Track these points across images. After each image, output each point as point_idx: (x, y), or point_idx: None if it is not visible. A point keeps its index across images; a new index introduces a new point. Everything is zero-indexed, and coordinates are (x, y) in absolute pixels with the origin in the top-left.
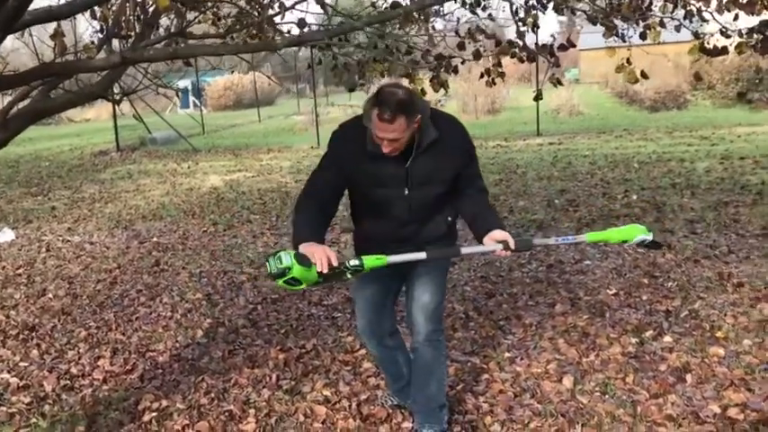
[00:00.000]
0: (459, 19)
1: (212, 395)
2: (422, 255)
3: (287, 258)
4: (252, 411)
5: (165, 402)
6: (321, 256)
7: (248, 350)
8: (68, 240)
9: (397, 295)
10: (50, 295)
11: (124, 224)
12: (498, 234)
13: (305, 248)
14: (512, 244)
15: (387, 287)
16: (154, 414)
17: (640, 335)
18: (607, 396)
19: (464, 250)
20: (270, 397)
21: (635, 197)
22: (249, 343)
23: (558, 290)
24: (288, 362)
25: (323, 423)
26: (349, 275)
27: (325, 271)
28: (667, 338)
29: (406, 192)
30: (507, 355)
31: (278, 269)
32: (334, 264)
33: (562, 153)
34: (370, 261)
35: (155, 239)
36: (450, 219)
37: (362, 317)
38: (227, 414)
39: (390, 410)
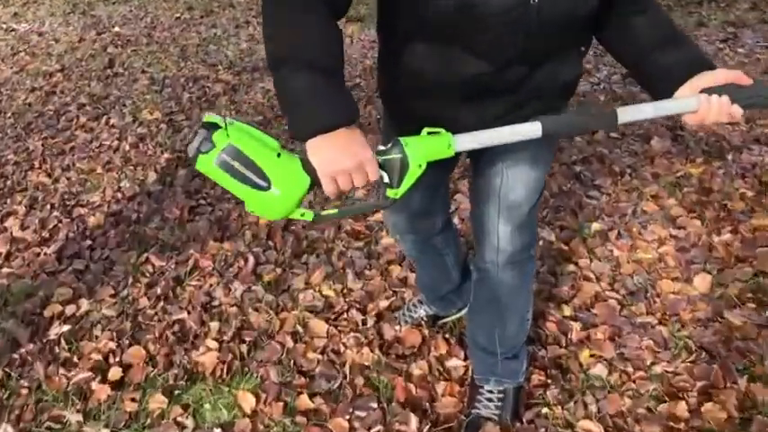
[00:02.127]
0: None
1: (157, 291)
2: (534, 129)
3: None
4: (214, 327)
5: (84, 305)
6: (357, 173)
7: (216, 209)
8: (13, 29)
9: (452, 171)
10: None
11: (82, 8)
12: (716, 76)
13: (331, 151)
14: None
15: (438, 171)
16: (65, 328)
17: None
18: None
19: (624, 115)
20: (243, 296)
21: None
22: (219, 196)
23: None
24: (273, 232)
25: (321, 353)
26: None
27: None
28: None
29: None
30: (597, 227)
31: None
32: (374, 179)
33: None
34: (422, 146)
35: (115, 29)
36: (583, 49)
37: (396, 210)
38: (175, 330)
39: (426, 331)
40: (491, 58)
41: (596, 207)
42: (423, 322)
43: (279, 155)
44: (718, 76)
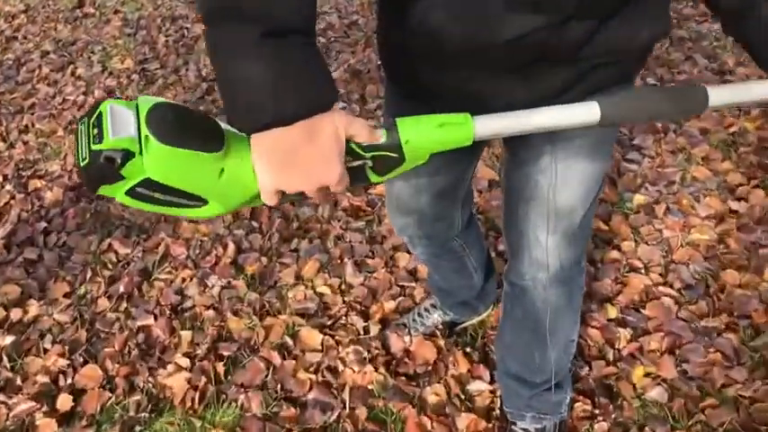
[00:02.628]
0: None
1: (120, 288)
2: (588, 113)
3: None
4: (185, 337)
5: (33, 308)
6: (315, 192)
7: None
8: None
9: (478, 160)
10: None
11: None
12: None
13: (280, 161)
14: None
15: (460, 157)
16: (9, 340)
17: None
18: None
19: (718, 95)
20: (221, 294)
21: None
22: None
23: (683, 49)
24: (257, 211)
25: (315, 371)
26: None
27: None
28: None
29: None
30: (640, 199)
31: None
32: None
33: None
34: (428, 138)
35: None
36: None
37: (400, 213)
38: (139, 341)
39: (441, 342)
40: (545, 8)
41: (637, 174)
42: (437, 331)
43: (222, 172)
44: None
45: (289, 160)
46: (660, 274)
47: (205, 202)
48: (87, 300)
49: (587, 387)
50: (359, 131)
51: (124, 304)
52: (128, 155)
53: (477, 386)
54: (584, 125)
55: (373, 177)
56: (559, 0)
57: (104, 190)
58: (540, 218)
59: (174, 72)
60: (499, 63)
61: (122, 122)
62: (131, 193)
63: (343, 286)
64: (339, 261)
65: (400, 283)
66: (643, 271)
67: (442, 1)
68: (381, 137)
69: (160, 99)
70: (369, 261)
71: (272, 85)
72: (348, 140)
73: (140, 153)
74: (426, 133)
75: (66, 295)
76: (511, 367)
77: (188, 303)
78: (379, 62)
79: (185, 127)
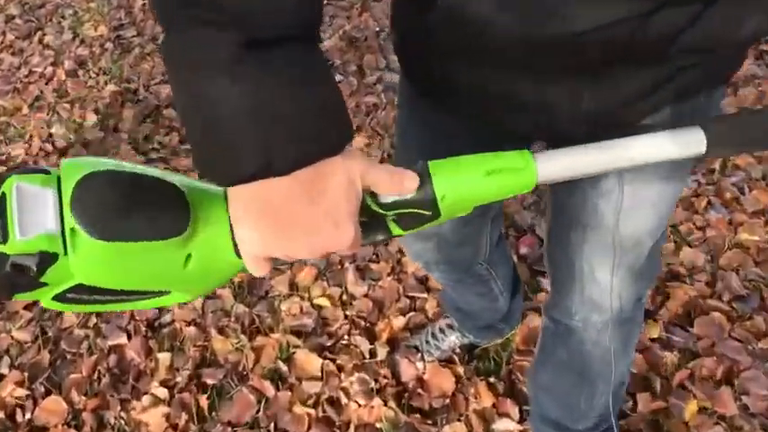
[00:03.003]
0: None
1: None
2: (692, 140)
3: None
4: (163, 360)
5: None
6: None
7: (172, 166)
8: None
9: None
10: None
11: None
12: None
13: (272, 225)
14: None
15: None
16: None
17: None
18: None
19: None
20: (204, 306)
21: None
22: (175, 149)
23: None
24: None
25: (314, 406)
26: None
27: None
28: None
29: None
30: None
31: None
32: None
33: None
34: (473, 189)
35: None
36: None
37: (416, 237)
38: (110, 365)
39: (459, 369)
40: None
41: None
42: (454, 356)
43: (188, 259)
44: None
45: (284, 220)
46: (707, 283)
47: (166, 292)
48: (52, 314)
49: (633, 427)
50: (379, 180)
51: (93, 320)
52: (47, 258)
53: (505, 425)
54: (682, 158)
55: (396, 230)
56: None
57: (23, 296)
58: (599, 250)
59: (152, 40)
60: (561, 62)
61: (36, 210)
62: (61, 298)
63: (344, 297)
64: (339, 266)
65: (409, 294)
66: (686, 278)
67: (480, 31)
68: (410, 188)
69: (91, 161)
70: (373, 266)
71: (257, 117)
72: (364, 193)
73: (65, 254)
74: (470, 184)
75: (26, 308)
76: (549, 412)
77: (166, 318)
78: (377, 29)
79: (131, 206)
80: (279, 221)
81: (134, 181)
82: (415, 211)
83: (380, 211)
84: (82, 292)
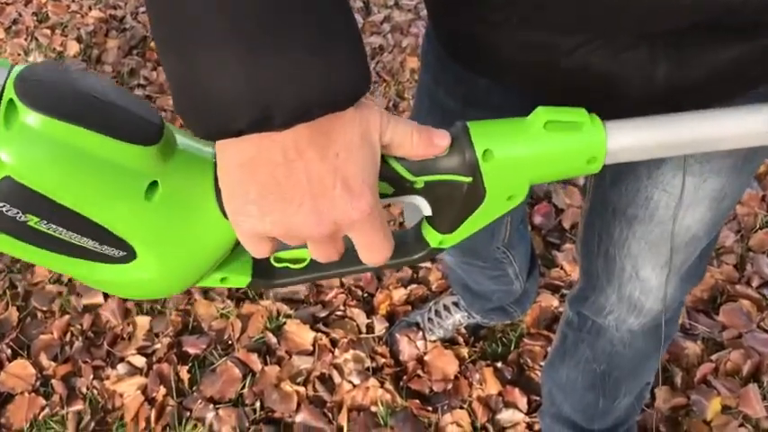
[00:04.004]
0: None
1: None
2: None
3: None
4: (142, 324)
5: None
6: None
7: (159, 104)
8: None
9: None
10: None
11: None
12: None
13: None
14: None
15: None
16: None
17: None
18: None
19: None
20: None
21: None
22: (163, 85)
23: None
24: None
25: (304, 383)
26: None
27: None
28: None
29: None
30: None
31: None
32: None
33: None
34: (528, 154)
35: None
36: None
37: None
38: (84, 326)
39: (464, 351)
40: None
41: None
42: (458, 336)
43: (154, 188)
44: None
45: (285, 181)
46: (735, 266)
47: (128, 251)
48: (22, 265)
49: (649, 424)
50: (403, 139)
51: (66, 280)
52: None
53: (511, 416)
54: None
55: (432, 237)
56: None
57: None
58: (647, 247)
59: None
60: (640, 25)
61: None
62: None
63: None
64: None
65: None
66: (714, 261)
67: None
68: (441, 146)
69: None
70: None
71: (252, 53)
72: (384, 155)
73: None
74: (522, 138)
75: None
76: (562, 409)
77: None
78: None
79: (89, 98)
80: (277, 182)
81: (103, 82)
82: (452, 178)
83: (404, 174)
84: (11, 200)
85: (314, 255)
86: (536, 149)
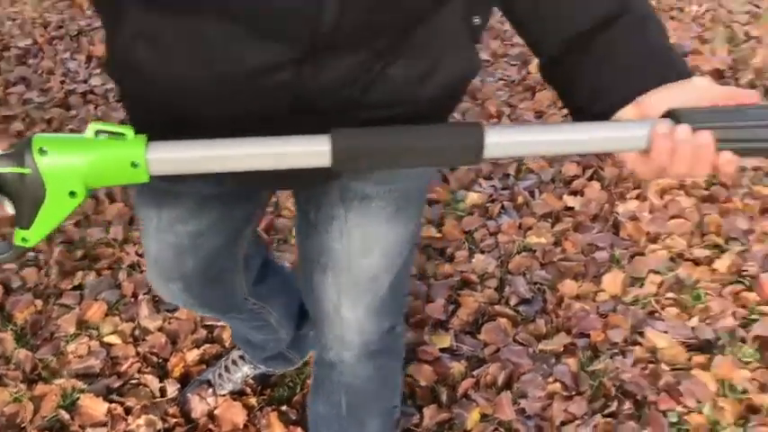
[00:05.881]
0: None
1: None
2: (316, 148)
3: None
4: None
5: None
6: None
7: None
8: None
9: (253, 226)
10: None
11: None
12: (696, 91)
13: None
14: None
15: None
16: None
17: None
18: None
19: (496, 135)
20: None
21: None
22: None
23: None
24: None
25: None
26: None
27: None
28: None
29: None
30: (474, 198)
31: None
32: None
33: None
34: (76, 155)
35: None
36: (477, 23)
37: (162, 278)
38: None
39: (252, 400)
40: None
41: (471, 168)
42: (247, 387)
43: None
44: (701, 91)
45: None
46: (496, 289)
47: None
48: None
49: None
50: None
51: None
52: None
53: None
54: (308, 165)
55: (17, 235)
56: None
57: None
58: (337, 290)
59: None
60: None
61: None
62: None
63: (136, 332)
64: (133, 299)
65: (207, 323)
66: (478, 285)
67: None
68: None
69: None
70: None
71: None
72: None
73: None
74: (74, 142)
75: None
76: None
77: None
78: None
79: None
80: None
81: None
82: (12, 170)
83: None
84: None
85: None
86: (86, 149)
